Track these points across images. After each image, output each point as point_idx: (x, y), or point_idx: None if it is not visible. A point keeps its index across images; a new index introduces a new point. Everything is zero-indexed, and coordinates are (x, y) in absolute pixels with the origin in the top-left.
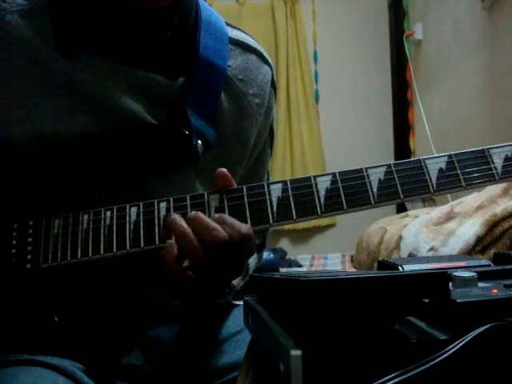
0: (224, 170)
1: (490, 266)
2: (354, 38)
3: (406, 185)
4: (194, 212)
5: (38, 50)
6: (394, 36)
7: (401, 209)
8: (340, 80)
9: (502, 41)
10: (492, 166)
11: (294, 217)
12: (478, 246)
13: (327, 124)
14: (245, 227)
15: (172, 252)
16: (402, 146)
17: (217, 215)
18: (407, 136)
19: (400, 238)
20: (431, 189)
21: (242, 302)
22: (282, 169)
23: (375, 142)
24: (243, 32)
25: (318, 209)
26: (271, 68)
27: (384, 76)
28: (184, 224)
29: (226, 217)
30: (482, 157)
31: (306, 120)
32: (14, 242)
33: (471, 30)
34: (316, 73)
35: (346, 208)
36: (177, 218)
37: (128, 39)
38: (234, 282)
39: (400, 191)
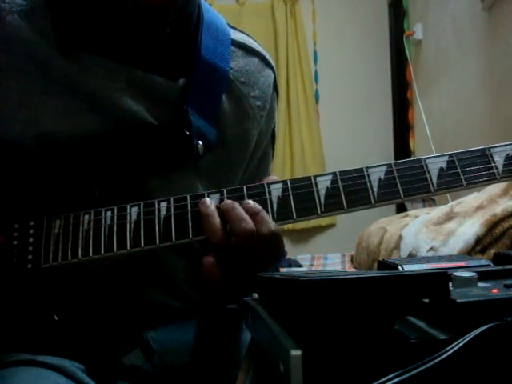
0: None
1: (489, 266)
2: (353, 38)
3: (407, 184)
4: (230, 203)
5: (38, 50)
6: (394, 36)
7: (401, 209)
8: (340, 80)
9: (502, 41)
10: (493, 165)
11: (294, 216)
12: (478, 246)
13: (327, 124)
14: (274, 224)
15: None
16: (402, 146)
17: (251, 203)
18: (407, 136)
19: (400, 237)
20: (432, 188)
21: None
22: (281, 169)
23: (375, 142)
24: (246, 35)
25: (318, 208)
26: (273, 71)
27: (384, 76)
28: (212, 207)
29: (260, 210)
30: (483, 156)
31: (306, 120)
32: (15, 243)
33: (471, 30)
34: (316, 73)
35: (346, 208)
36: (207, 200)
37: (127, 38)
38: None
39: (400, 191)
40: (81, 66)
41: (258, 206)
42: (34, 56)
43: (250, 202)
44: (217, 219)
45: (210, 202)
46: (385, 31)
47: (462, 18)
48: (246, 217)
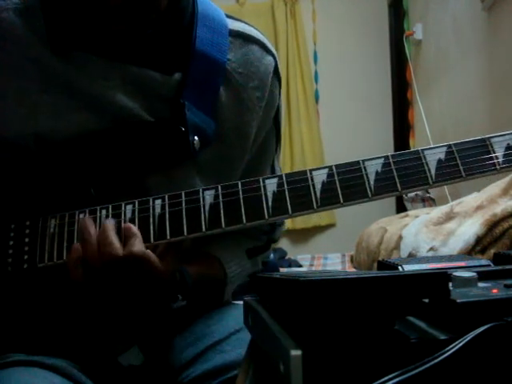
0: None
1: (489, 266)
2: (353, 38)
3: (404, 176)
4: (106, 220)
5: (33, 48)
6: (393, 36)
7: (401, 209)
8: (340, 80)
9: (502, 41)
10: (493, 155)
11: (290, 211)
12: (478, 246)
13: (327, 124)
14: (138, 248)
15: (76, 252)
16: (402, 146)
17: (128, 225)
18: (407, 136)
19: (400, 237)
20: (430, 180)
21: (241, 302)
22: (281, 169)
23: (375, 141)
24: (246, 23)
25: (314, 203)
26: (274, 58)
27: (384, 76)
28: (91, 230)
29: (132, 231)
30: (483, 146)
31: (305, 120)
32: (11, 243)
33: (471, 30)
34: (316, 73)
35: (342, 201)
36: (87, 223)
37: (116, 37)
38: (174, 304)
39: (398, 183)
40: (75, 65)
41: (133, 230)
42: (30, 54)
43: (128, 224)
44: (94, 242)
45: (91, 223)
46: (385, 31)
47: (462, 18)
48: (114, 240)
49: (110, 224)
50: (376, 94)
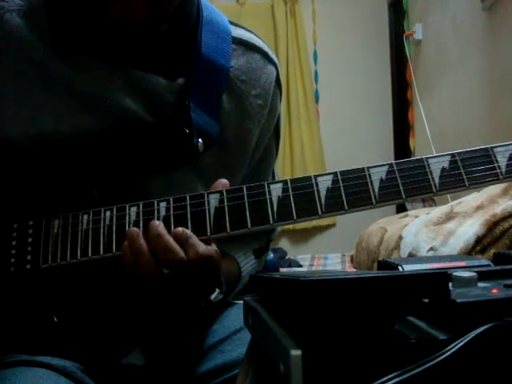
0: (226, 181)
1: (489, 266)
2: (353, 38)
3: (408, 184)
4: (156, 231)
5: (36, 50)
6: (393, 36)
7: (401, 209)
8: (340, 80)
9: (502, 41)
10: (496, 164)
11: (295, 217)
12: (478, 245)
13: (327, 124)
14: (204, 248)
15: (127, 254)
16: (401, 146)
17: (181, 230)
18: (407, 136)
19: (400, 238)
20: (434, 189)
21: (241, 302)
22: (281, 169)
23: (375, 141)
24: (248, 30)
25: (319, 209)
26: (276, 67)
27: (384, 76)
28: (141, 241)
29: (189, 236)
30: (486, 156)
31: (305, 120)
32: (14, 243)
33: (471, 30)
34: (316, 73)
35: (347, 208)
36: (134, 233)
37: (120, 43)
38: (212, 296)
39: (402, 191)
40: (77, 68)
41: (187, 232)
42: (31, 56)
43: (179, 229)
44: (148, 255)
45: (138, 233)
46: (385, 31)
47: (462, 18)
48: (175, 246)
49: (163, 229)
50: (376, 94)
